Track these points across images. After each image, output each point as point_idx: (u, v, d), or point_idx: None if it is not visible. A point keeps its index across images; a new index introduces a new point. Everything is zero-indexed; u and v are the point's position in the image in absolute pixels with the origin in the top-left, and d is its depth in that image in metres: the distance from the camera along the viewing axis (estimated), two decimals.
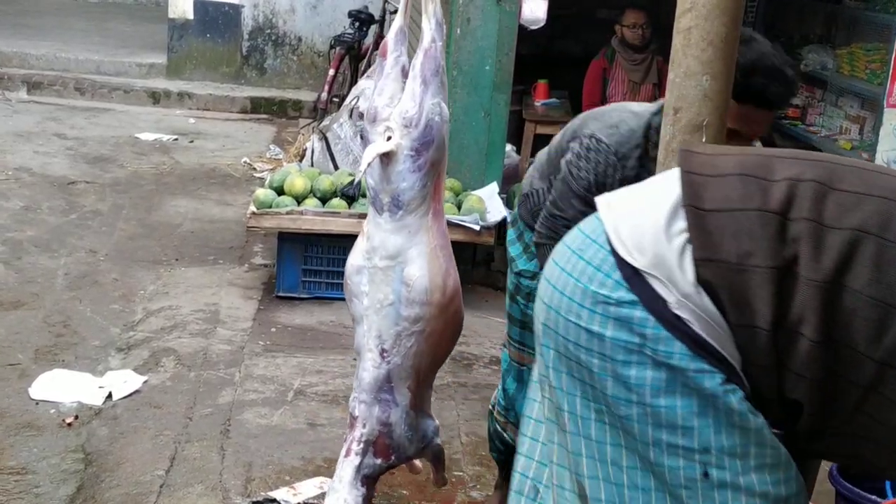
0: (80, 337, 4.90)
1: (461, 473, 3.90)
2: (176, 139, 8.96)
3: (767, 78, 2.79)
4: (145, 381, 4.44)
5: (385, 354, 2.93)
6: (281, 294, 5.52)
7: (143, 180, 7.64)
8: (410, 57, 2.95)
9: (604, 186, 2.93)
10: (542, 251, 3.12)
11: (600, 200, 1.92)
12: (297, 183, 5.57)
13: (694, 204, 1.76)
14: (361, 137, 6.76)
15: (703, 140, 2.56)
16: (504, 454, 3.62)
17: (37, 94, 10.17)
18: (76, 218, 6.63)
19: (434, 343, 2.96)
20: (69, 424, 4.07)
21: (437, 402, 3.33)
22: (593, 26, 8.25)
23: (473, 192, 5.74)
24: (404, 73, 2.86)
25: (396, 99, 2.83)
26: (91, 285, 5.55)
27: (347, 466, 3.02)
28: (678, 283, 1.72)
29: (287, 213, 5.40)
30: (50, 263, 5.79)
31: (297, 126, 9.68)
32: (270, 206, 5.45)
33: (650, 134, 2.95)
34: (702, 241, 1.73)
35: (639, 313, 1.74)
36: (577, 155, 3.03)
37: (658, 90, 6.85)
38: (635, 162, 2.98)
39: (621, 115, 3.05)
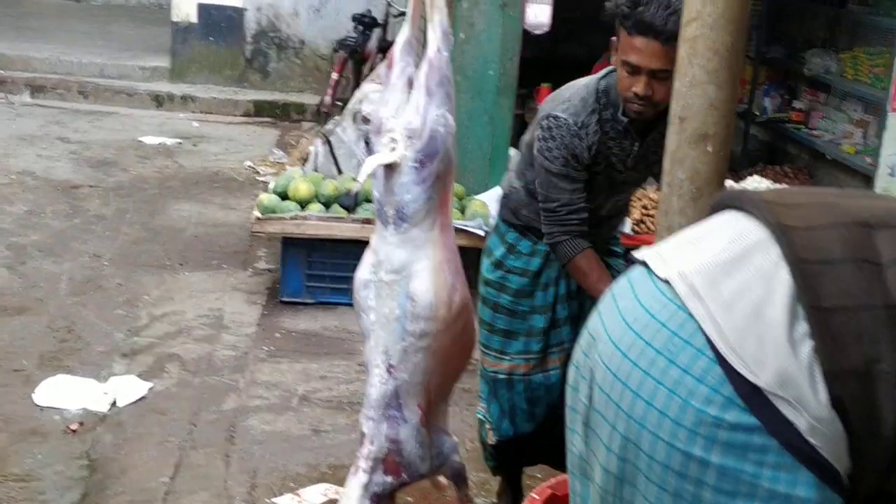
0: (85, 342, 4.90)
1: None
2: (179, 143, 8.96)
3: (649, 7, 2.85)
4: (150, 388, 4.44)
5: (392, 370, 2.89)
6: (285, 299, 5.52)
7: (147, 184, 7.64)
8: None
9: (577, 158, 3.06)
10: (560, 249, 3.16)
11: (674, 278, 1.63)
12: (301, 188, 5.57)
13: (815, 304, 1.51)
14: (365, 142, 6.81)
15: (709, 149, 2.56)
16: (496, 459, 3.62)
17: (40, 97, 10.16)
18: (80, 222, 6.63)
19: (442, 359, 2.90)
20: (74, 431, 4.07)
21: None
22: (597, 29, 8.23)
23: (477, 197, 5.74)
24: (410, 84, 2.83)
25: (402, 110, 2.81)
26: (95, 290, 5.55)
27: (354, 483, 2.98)
28: (809, 405, 1.49)
29: (291, 219, 5.40)
30: (54, 268, 5.79)
31: (300, 129, 9.68)
32: (274, 212, 5.45)
33: (600, 97, 3.09)
34: (830, 351, 1.49)
35: (758, 440, 1.50)
36: (543, 139, 3.11)
37: None
38: (595, 126, 3.08)
39: (571, 90, 3.17)
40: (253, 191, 7.65)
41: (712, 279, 1.59)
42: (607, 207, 3.30)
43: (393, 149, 2.77)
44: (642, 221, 5.63)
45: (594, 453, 1.73)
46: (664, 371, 1.57)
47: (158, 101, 10.36)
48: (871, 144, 6.34)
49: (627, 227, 5.47)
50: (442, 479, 3.36)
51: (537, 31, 6.06)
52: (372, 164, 2.81)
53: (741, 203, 1.72)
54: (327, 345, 5.08)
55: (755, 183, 5.81)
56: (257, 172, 8.23)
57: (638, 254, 1.80)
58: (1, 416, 4.14)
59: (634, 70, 2.89)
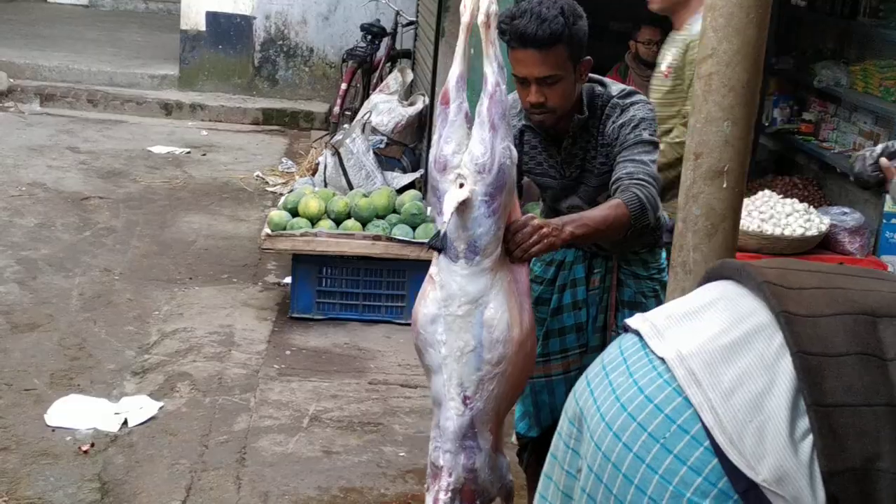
0: (96, 360, 4.91)
1: None
2: (188, 152, 8.97)
3: (522, 18, 2.94)
4: (161, 407, 4.44)
5: (468, 401, 2.89)
6: (295, 315, 5.52)
7: (157, 195, 7.65)
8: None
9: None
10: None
11: (672, 360, 1.60)
12: (312, 205, 5.58)
13: (818, 401, 1.49)
14: (375, 153, 6.81)
15: (724, 186, 2.56)
16: (519, 456, 3.67)
17: (50, 106, 10.19)
18: (90, 235, 6.64)
19: (513, 382, 2.93)
20: (85, 452, 4.07)
21: None
22: (606, 39, 8.23)
23: None
24: (467, 119, 2.81)
25: (464, 146, 2.78)
26: (106, 306, 5.56)
27: None
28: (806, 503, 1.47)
29: (301, 236, 5.41)
30: (64, 283, 5.80)
31: (309, 137, 9.70)
32: (285, 228, 5.46)
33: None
34: (830, 450, 1.47)
35: None
36: None
37: None
38: (519, 124, 3.22)
39: None
40: (262, 202, 7.66)
41: (711, 364, 1.56)
42: (561, 207, 3.34)
43: (461, 185, 2.75)
44: None
45: None
46: (657, 457, 1.52)
47: (167, 109, 10.38)
48: None
49: None
50: None
51: None
52: (452, 203, 2.75)
53: (743, 279, 1.69)
54: (338, 362, 5.08)
55: (764, 199, 5.79)
56: (266, 183, 8.24)
57: (631, 322, 1.76)
58: (13, 438, 4.15)
59: (523, 81, 3.01)
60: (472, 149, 2.76)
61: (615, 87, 3.15)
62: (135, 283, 5.91)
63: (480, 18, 2.78)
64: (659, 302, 3.29)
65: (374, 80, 9.05)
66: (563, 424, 1.78)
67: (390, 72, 8.75)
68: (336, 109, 8.74)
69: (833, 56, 7.23)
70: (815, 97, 7.41)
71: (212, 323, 5.40)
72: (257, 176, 8.40)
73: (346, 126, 7.97)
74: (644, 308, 3.29)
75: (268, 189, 8.06)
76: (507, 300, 2.83)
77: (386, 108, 7.54)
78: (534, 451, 3.60)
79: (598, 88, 3.15)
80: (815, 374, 1.50)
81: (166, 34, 12.24)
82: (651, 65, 6.82)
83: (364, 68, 9.12)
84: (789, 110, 7.65)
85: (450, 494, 2.96)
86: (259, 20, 10.83)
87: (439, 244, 2.82)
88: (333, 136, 7.59)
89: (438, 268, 2.88)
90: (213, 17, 10.77)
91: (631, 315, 3.28)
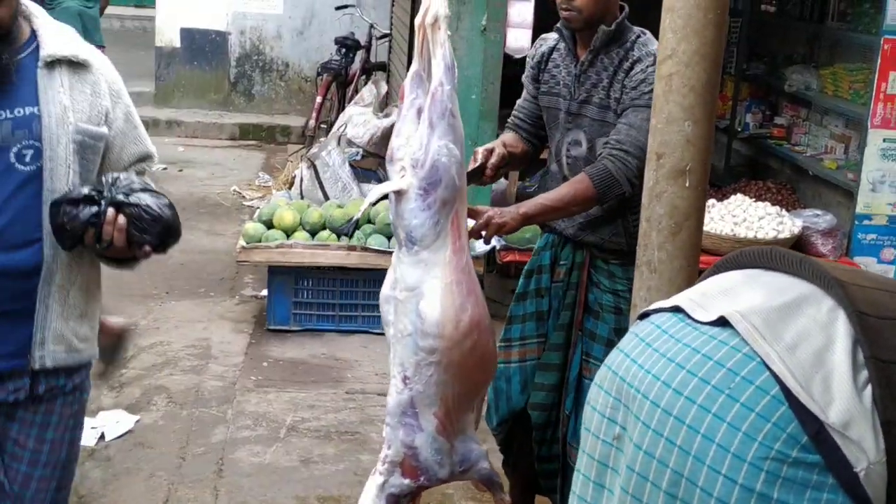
0: None
1: None
2: (165, 168, 8.95)
3: None
4: (137, 421, 4.44)
5: (407, 381, 3.01)
6: (272, 327, 5.53)
7: None
8: None
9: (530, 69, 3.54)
10: None
11: (732, 316, 1.65)
12: (287, 216, 5.59)
13: (877, 355, 1.57)
14: (350, 165, 6.83)
15: (687, 185, 2.59)
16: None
17: None
18: None
19: (455, 374, 3.00)
20: None
21: None
22: None
23: None
24: (419, 115, 2.95)
25: (412, 139, 2.93)
26: None
27: (371, 483, 3.11)
28: (869, 449, 1.53)
29: (276, 247, 5.42)
30: None
31: (285, 152, 9.71)
32: (260, 241, 5.47)
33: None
34: (887, 400, 1.54)
35: (818, 477, 1.53)
36: None
37: None
38: (553, 43, 3.43)
39: None
40: (239, 216, 7.66)
41: (770, 322, 1.63)
42: (564, 151, 3.39)
43: (402, 176, 2.90)
44: None
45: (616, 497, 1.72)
46: (723, 406, 1.58)
47: (144, 126, 10.34)
48: (853, 160, 6.37)
49: None
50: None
51: (518, 56, 6.09)
52: (378, 192, 2.96)
53: (773, 262, 1.76)
54: (315, 373, 5.08)
55: (737, 202, 5.83)
56: (243, 197, 8.24)
57: (659, 304, 1.81)
58: None
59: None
60: (412, 143, 2.90)
61: (654, 42, 3.18)
62: (112, 298, 5.80)
63: (428, 20, 2.89)
64: (619, 317, 3.26)
65: (350, 93, 9.07)
66: (598, 396, 1.82)
67: (365, 84, 8.77)
68: (312, 123, 8.76)
69: (803, 60, 7.30)
70: (787, 101, 7.47)
71: (188, 336, 5.40)
72: (234, 191, 8.41)
73: (322, 139, 7.99)
74: (600, 318, 3.30)
75: (245, 203, 8.07)
76: (443, 300, 2.92)
77: (361, 120, 7.55)
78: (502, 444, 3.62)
79: (637, 29, 3.27)
80: (873, 332, 1.58)
81: (141, 51, 12.23)
82: None
83: (339, 81, 9.15)
84: (761, 115, 7.72)
85: (387, 465, 3.07)
86: (234, 36, 10.84)
87: (345, 229, 2.91)
88: (309, 149, 7.61)
89: (395, 251, 3.04)
90: (187, 34, 10.78)
91: (593, 320, 3.28)
